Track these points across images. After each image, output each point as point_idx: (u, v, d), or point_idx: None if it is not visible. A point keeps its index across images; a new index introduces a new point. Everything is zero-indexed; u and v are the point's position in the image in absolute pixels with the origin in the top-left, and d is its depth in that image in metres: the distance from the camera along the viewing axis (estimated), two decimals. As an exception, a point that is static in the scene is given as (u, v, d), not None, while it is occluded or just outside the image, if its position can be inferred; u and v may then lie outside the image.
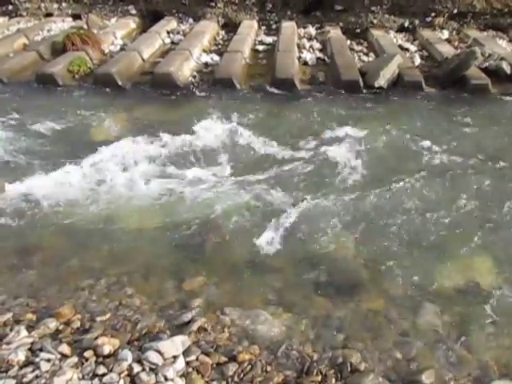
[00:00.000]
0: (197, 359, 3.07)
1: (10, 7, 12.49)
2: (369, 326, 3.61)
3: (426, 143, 6.23)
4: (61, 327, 3.33)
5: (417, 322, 3.66)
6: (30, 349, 3.01)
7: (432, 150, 6.07)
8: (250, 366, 3.11)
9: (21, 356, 2.90)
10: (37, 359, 2.89)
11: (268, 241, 4.47)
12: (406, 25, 11.25)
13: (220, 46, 10.40)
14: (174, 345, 3.07)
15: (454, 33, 10.97)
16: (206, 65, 9.19)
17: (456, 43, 10.36)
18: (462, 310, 3.79)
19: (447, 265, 4.20)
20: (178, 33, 11.01)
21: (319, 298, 3.89)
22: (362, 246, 4.45)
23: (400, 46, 10.03)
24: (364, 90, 7.93)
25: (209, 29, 10.83)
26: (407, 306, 3.81)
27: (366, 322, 3.65)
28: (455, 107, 7.48)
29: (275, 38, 10.48)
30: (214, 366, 3.07)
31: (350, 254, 4.36)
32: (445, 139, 6.39)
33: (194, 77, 8.57)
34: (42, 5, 12.48)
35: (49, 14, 12.22)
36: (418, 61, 9.23)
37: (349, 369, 3.19)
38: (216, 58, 9.42)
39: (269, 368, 3.14)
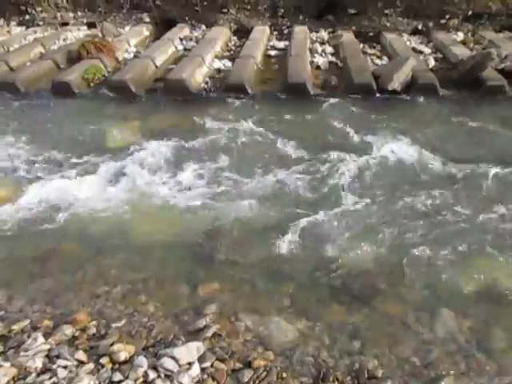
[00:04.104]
0: (212, 366, 3.08)
1: (27, 17, 12.75)
2: (385, 332, 3.56)
3: (442, 147, 6.14)
4: (77, 334, 3.37)
5: (435, 328, 3.60)
6: (47, 355, 3.05)
7: (448, 155, 5.97)
8: (265, 373, 3.10)
9: (38, 363, 2.94)
10: (54, 366, 2.93)
11: (282, 246, 4.45)
12: (420, 27, 11.14)
13: (232, 52, 10.44)
14: (189, 351, 3.08)
15: (469, 34, 10.81)
16: (219, 71, 9.22)
17: (471, 45, 10.21)
18: (482, 315, 3.72)
19: (466, 269, 4.12)
20: (191, 39, 11.09)
21: (334, 303, 3.86)
22: (378, 251, 4.39)
23: (414, 49, 9.94)
24: (377, 94, 7.87)
25: (221, 35, 10.89)
26: (425, 311, 3.75)
27: (383, 328, 3.60)
28: (471, 109, 7.36)
29: (287, 43, 10.47)
30: (230, 372, 3.07)
31: (366, 259, 4.30)
32: (461, 143, 6.30)
33: (207, 83, 8.61)
34: (58, 14, 12.70)
35: (64, 23, 12.43)
36: (432, 63, 9.13)
37: (366, 375, 3.16)
38: (228, 63, 9.46)
39: (284, 374, 3.12)
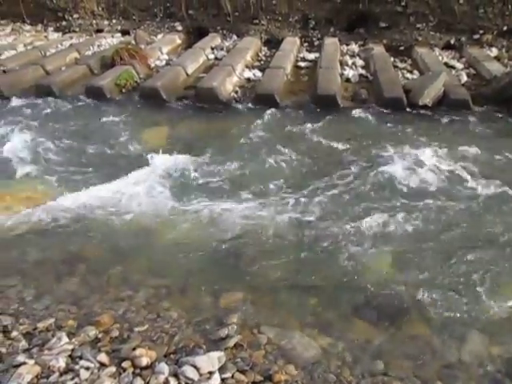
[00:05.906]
0: (232, 377, 3.04)
1: (64, 23, 13.19)
2: (410, 354, 3.46)
3: (473, 166, 5.97)
4: (100, 335, 3.39)
5: (462, 352, 3.47)
6: (70, 356, 3.07)
7: (479, 174, 5.79)
8: (286, 387, 3.04)
9: (61, 363, 2.96)
10: (76, 367, 2.94)
11: (307, 260, 4.41)
12: (452, 42, 10.99)
13: (262, 62, 10.49)
14: (211, 360, 3.05)
15: (504, 50, 10.58)
16: (249, 80, 9.28)
17: (506, 61, 9.98)
18: (513, 342, 3.58)
19: (497, 291, 3.97)
20: (222, 49, 11.21)
21: (358, 320, 3.78)
22: (404, 268, 4.30)
23: (445, 64, 9.78)
24: (408, 108, 7.77)
25: (252, 45, 10.98)
26: (452, 334, 3.62)
27: (408, 349, 3.50)
28: (505, 127, 7.19)
29: (317, 55, 10.48)
30: (250, 384, 3.02)
31: (391, 276, 4.21)
32: (494, 163, 6.12)
33: (237, 92, 8.67)
34: (94, 21, 13.10)
35: (99, 30, 12.81)
36: (464, 79, 8.96)
37: (389, 397, 3.08)
38: (258, 73, 9.51)
39: (305, 390, 3.07)
